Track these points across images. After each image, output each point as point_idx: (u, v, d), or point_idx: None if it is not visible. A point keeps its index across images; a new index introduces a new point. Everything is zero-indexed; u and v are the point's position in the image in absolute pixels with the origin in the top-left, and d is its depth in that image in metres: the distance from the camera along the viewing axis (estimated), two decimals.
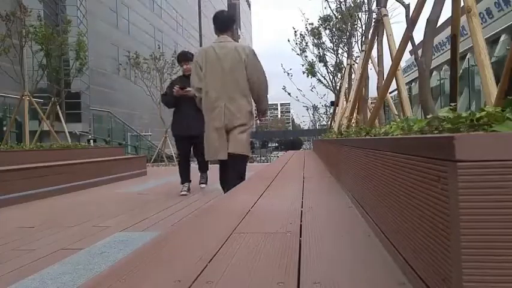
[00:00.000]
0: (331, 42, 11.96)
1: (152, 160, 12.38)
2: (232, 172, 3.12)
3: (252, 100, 3.27)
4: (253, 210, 1.85)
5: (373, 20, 4.47)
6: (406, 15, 2.64)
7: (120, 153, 8.40)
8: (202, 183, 5.05)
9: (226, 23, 3.27)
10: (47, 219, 3.28)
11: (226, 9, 4.92)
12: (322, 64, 12.68)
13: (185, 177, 4.69)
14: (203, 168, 5.07)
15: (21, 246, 2.44)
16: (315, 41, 12.78)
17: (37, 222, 3.12)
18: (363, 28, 7.07)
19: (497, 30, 12.66)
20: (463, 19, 2.20)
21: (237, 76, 3.09)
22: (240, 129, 3.11)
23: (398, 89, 3.35)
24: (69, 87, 18.71)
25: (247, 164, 3.48)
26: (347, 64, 8.48)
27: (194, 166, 5.14)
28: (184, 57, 4.81)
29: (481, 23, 3.22)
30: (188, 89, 4.07)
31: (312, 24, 12.84)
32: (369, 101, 5.63)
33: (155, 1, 36.91)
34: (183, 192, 4.52)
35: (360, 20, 8.27)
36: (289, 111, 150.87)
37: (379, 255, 1.10)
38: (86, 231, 2.79)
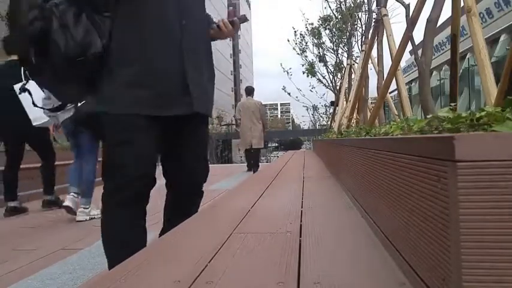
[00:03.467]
0: (331, 42, 11.99)
1: None
2: (256, 155, 7.86)
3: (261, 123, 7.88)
4: (253, 210, 1.85)
5: (373, 20, 4.47)
6: (406, 15, 2.63)
7: None
8: None
9: (251, 92, 7.87)
10: (47, 219, 3.27)
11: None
12: (322, 64, 12.71)
13: None
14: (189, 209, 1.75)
15: (21, 246, 2.44)
16: (315, 41, 12.80)
17: (37, 222, 3.12)
18: (363, 28, 7.07)
19: (497, 30, 12.66)
20: (463, 19, 2.20)
21: (256, 113, 7.60)
22: (258, 138, 7.60)
23: (398, 89, 3.35)
24: None
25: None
26: (347, 64, 8.49)
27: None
28: None
29: (481, 23, 3.22)
30: None
31: (312, 24, 12.88)
32: (369, 101, 5.64)
33: None
34: None
35: (360, 20, 8.28)
36: (289, 111, 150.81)
37: (379, 255, 1.10)
38: (86, 231, 2.79)
